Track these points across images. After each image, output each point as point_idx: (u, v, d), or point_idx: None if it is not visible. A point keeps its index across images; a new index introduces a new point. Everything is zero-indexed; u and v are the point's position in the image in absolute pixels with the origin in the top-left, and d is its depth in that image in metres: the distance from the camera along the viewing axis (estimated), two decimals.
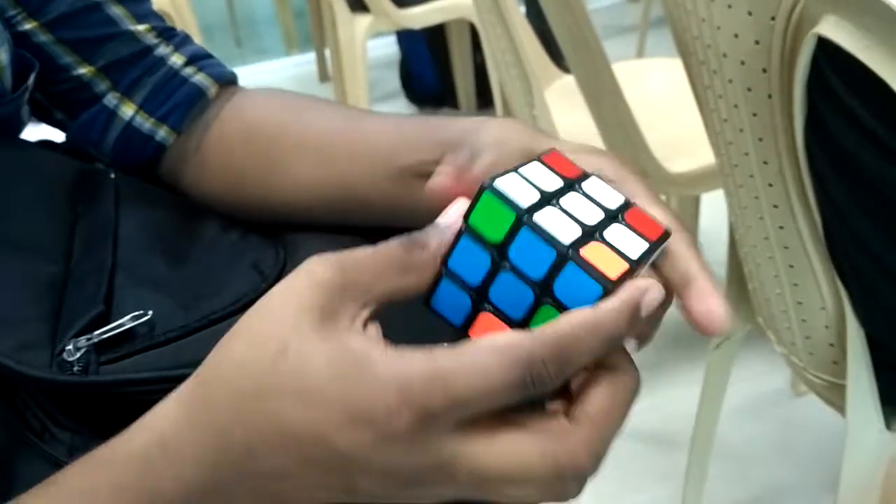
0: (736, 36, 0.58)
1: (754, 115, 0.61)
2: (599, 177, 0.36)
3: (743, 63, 0.59)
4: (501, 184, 0.33)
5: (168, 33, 0.56)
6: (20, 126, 0.53)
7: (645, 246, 0.33)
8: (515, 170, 0.34)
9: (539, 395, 0.30)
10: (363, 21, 2.12)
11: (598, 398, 0.31)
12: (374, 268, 0.33)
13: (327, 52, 2.70)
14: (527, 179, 0.34)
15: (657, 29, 2.62)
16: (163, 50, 0.55)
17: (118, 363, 0.40)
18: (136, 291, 0.44)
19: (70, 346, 0.39)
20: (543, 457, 0.30)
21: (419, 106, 2.58)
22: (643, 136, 1.15)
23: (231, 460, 0.31)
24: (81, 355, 0.39)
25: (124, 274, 0.45)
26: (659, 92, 1.39)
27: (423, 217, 0.47)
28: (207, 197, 0.54)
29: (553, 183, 0.34)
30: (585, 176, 0.36)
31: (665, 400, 1.37)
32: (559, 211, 0.33)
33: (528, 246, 0.32)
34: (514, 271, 0.32)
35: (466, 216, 0.33)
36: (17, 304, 0.41)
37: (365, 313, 0.33)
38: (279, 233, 0.51)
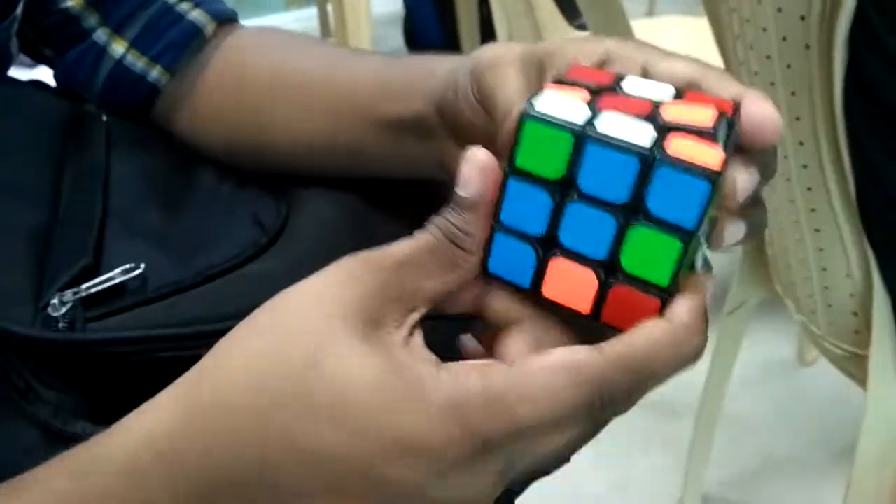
0: None
1: (789, 66, 0.58)
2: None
3: (780, 10, 0.55)
4: (542, 106, 0.27)
5: None
6: (9, 60, 0.50)
7: (725, 125, 0.28)
8: (544, 91, 0.29)
9: (606, 419, 0.27)
10: None
11: (649, 336, 0.27)
12: (418, 266, 0.29)
13: (329, 8, 2.65)
14: (564, 96, 0.28)
15: None
16: None
17: (106, 320, 0.38)
18: (128, 242, 0.41)
19: (55, 301, 0.37)
20: (577, 387, 0.26)
21: None
22: None
23: (242, 478, 0.28)
24: (67, 310, 0.37)
25: (115, 223, 0.42)
26: (674, 50, 1.35)
27: (414, 170, 0.44)
28: (201, 144, 0.51)
29: (593, 93, 0.29)
30: (620, 77, 0.31)
31: None
32: (620, 115, 0.27)
33: (602, 163, 0.27)
34: (586, 201, 0.27)
35: (510, 159, 0.28)
36: (0, 253, 0.38)
37: (411, 320, 0.29)
38: (279, 185, 0.48)
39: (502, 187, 0.29)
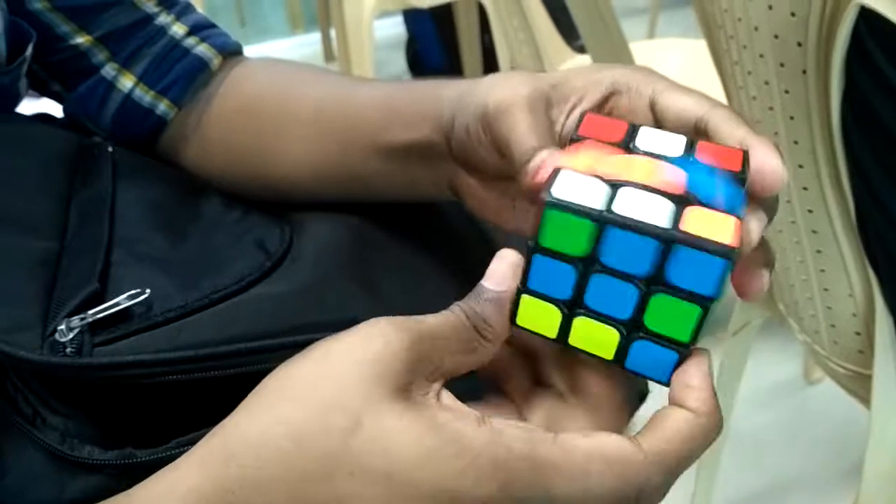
0: (770, 7, 0.55)
1: (786, 91, 0.58)
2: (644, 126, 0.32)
3: (776, 36, 0.56)
4: (560, 192, 0.28)
5: (169, 1, 0.53)
6: (17, 99, 0.51)
7: (739, 187, 0.29)
8: (560, 173, 0.29)
9: None
10: (370, 0, 2.08)
11: (684, 434, 0.29)
12: (444, 342, 0.30)
13: (333, 32, 2.67)
14: (581, 178, 0.29)
15: (668, 10, 2.59)
16: (164, 19, 0.52)
17: (113, 344, 0.38)
18: (134, 269, 0.42)
19: (63, 326, 0.37)
20: (616, 479, 0.28)
21: None
22: None
23: None
24: (74, 336, 0.37)
25: (121, 250, 0.43)
26: (674, 72, 1.36)
27: (422, 193, 0.45)
28: (209, 173, 0.52)
29: (609, 158, 0.30)
30: (634, 129, 0.32)
31: None
32: (636, 189, 0.28)
33: (622, 244, 0.28)
34: (609, 272, 0.29)
35: (534, 237, 0.29)
36: (9, 282, 0.39)
37: (435, 388, 0.30)
38: (284, 211, 0.49)
39: (528, 259, 0.30)
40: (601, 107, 0.36)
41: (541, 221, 0.28)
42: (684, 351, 0.30)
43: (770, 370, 1.41)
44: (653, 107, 0.35)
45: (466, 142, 0.38)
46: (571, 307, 0.30)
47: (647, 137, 0.31)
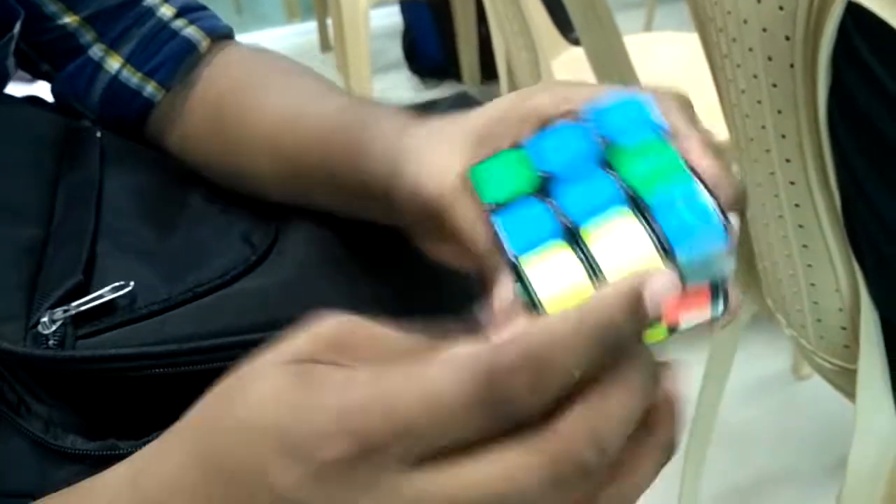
0: (759, 1, 0.55)
1: (774, 85, 0.59)
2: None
3: (765, 30, 0.56)
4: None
5: None
6: (5, 79, 0.51)
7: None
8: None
9: (515, 418, 0.23)
10: None
11: (594, 381, 0.24)
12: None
13: (329, 21, 2.66)
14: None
15: (665, 3, 2.58)
16: (152, 0, 0.52)
17: (97, 337, 0.38)
18: (118, 260, 0.42)
19: (46, 318, 0.37)
20: (529, 457, 0.23)
21: (421, 77, 2.55)
22: None
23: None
24: (58, 328, 0.37)
25: (106, 240, 0.43)
26: (668, 66, 1.36)
27: (378, 218, 0.43)
28: (192, 160, 0.52)
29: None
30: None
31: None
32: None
33: (553, 145, 0.29)
34: (566, 180, 0.29)
35: (486, 205, 0.30)
36: None
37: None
38: (270, 204, 0.49)
39: (495, 230, 0.29)
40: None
41: (475, 186, 0.29)
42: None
43: (758, 365, 1.42)
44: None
45: (418, 218, 0.38)
46: (571, 236, 0.28)
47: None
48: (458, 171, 0.34)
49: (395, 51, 2.62)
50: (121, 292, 0.39)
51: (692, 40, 1.34)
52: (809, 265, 0.70)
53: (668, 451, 0.26)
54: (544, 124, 0.34)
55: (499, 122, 0.35)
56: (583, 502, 0.24)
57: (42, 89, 0.55)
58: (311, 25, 2.92)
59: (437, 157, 0.36)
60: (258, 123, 0.48)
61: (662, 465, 0.26)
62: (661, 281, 0.23)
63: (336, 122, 0.44)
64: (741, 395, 1.35)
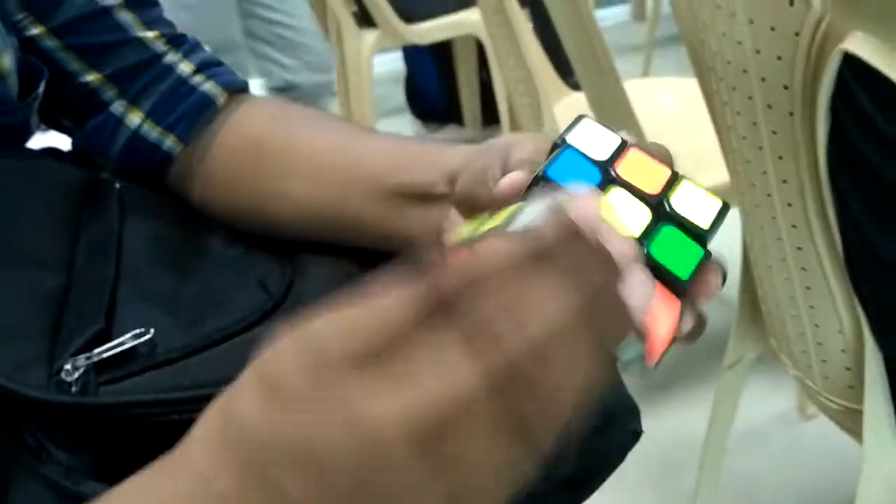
0: (757, 52, 0.57)
1: (774, 132, 0.60)
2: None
3: (764, 79, 0.58)
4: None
5: (177, 40, 0.55)
6: (28, 135, 0.52)
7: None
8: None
9: (452, 318, 0.24)
10: (370, 36, 2.11)
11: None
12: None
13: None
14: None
15: (663, 48, 2.62)
16: (172, 58, 0.53)
17: (118, 383, 0.39)
18: (139, 307, 0.43)
19: (69, 366, 0.38)
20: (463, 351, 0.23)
21: (424, 122, 2.57)
22: None
23: None
24: (80, 375, 0.38)
25: (127, 288, 0.44)
26: (668, 110, 1.38)
27: (411, 236, 0.46)
28: (212, 209, 0.53)
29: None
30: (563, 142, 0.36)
31: (674, 422, 1.35)
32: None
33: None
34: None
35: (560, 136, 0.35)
36: (16, 318, 0.40)
37: None
38: (286, 250, 0.50)
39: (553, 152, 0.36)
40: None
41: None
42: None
43: (764, 405, 1.42)
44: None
45: (478, 181, 0.41)
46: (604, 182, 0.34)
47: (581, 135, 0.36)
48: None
49: (398, 96, 2.66)
50: (141, 339, 0.40)
51: (691, 85, 1.37)
52: (812, 307, 0.71)
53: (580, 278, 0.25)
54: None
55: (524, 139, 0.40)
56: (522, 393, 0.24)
57: (57, 138, 0.56)
58: None
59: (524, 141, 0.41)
60: (303, 153, 0.51)
61: (576, 298, 0.25)
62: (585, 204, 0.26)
63: (403, 137, 0.49)
64: (747, 436, 1.34)
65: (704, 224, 0.33)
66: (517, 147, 0.40)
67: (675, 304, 0.31)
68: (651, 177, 0.34)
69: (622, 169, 0.34)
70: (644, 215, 0.32)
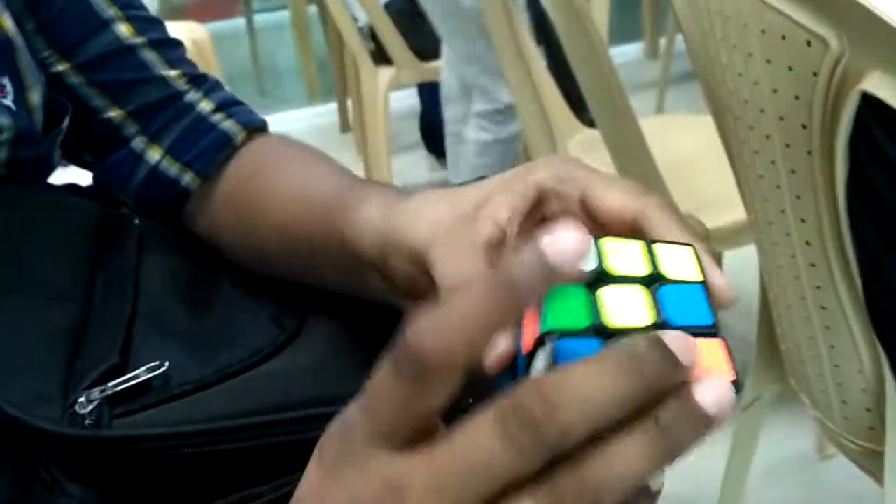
0: (775, 91, 0.57)
1: (793, 171, 0.60)
2: None
3: (782, 119, 0.58)
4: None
5: (199, 80, 0.56)
6: (51, 169, 0.53)
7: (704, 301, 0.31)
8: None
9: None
10: (386, 74, 2.13)
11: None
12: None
13: (349, 103, 2.73)
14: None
15: (676, 85, 2.64)
16: (192, 96, 0.54)
17: (131, 417, 0.39)
18: (154, 341, 0.43)
19: (82, 399, 0.38)
20: (490, 424, 0.23)
21: (437, 157, 2.59)
22: (669, 191, 1.13)
23: None
24: (94, 408, 0.38)
25: (143, 323, 0.44)
26: (683, 148, 1.38)
27: (376, 294, 0.45)
28: (216, 244, 0.54)
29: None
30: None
31: (692, 461, 1.33)
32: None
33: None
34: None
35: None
36: (33, 352, 0.40)
37: None
38: (299, 289, 0.50)
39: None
40: (533, 214, 0.37)
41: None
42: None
43: (783, 445, 1.40)
44: (584, 205, 0.36)
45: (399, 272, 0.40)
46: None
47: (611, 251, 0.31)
48: (449, 224, 0.37)
49: (413, 132, 2.68)
50: (156, 372, 0.40)
51: (707, 123, 1.37)
52: (832, 346, 0.70)
53: (666, 442, 0.24)
54: (543, 196, 0.37)
55: (499, 191, 0.37)
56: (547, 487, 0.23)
57: (76, 173, 0.57)
58: (332, 107, 3.00)
59: (433, 213, 0.39)
60: (269, 206, 0.51)
61: (658, 457, 0.24)
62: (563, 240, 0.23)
63: (328, 200, 0.47)
64: (766, 476, 1.32)
65: (695, 277, 0.31)
66: (490, 204, 0.37)
67: (719, 344, 0.29)
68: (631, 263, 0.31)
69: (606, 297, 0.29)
70: (642, 298, 0.29)
